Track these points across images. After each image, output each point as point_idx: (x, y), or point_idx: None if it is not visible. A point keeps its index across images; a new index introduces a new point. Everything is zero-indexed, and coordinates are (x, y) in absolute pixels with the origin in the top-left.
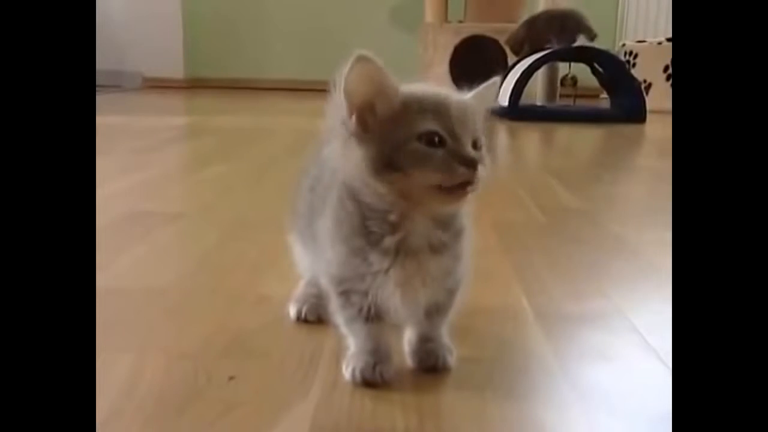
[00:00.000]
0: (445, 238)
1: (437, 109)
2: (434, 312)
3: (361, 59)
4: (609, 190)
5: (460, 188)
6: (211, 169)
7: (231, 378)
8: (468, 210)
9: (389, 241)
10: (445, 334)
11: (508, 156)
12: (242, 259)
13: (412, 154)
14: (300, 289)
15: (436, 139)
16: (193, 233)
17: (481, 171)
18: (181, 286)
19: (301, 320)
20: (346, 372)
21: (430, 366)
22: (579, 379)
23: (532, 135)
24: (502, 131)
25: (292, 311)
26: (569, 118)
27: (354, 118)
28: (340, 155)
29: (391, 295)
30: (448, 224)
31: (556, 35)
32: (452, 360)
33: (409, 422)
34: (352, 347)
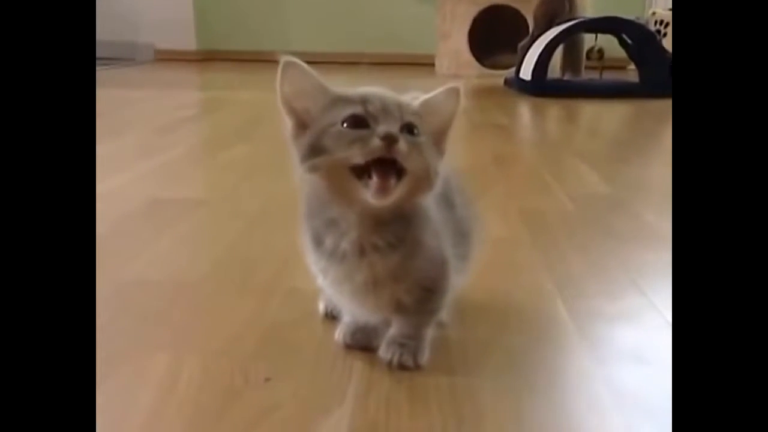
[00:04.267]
0: (376, 241)
1: (363, 98)
2: (403, 311)
3: (287, 65)
4: (639, 174)
5: (381, 174)
6: (232, 150)
7: (267, 379)
8: (423, 206)
9: (328, 243)
10: (419, 334)
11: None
12: (270, 250)
13: (335, 135)
14: None
15: (360, 121)
16: (218, 222)
17: (402, 147)
18: (211, 280)
19: (329, 316)
20: (337, 334)
21: (387, 361)
22: (616, 381)
23: (556, 112)
24: (525, 108)
25: (321, 306)
26: (595, 92)
27: (292, 120)
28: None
29: (335, 293)
30: (388, 226)
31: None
32: (412, 362)
33: (447, 424)
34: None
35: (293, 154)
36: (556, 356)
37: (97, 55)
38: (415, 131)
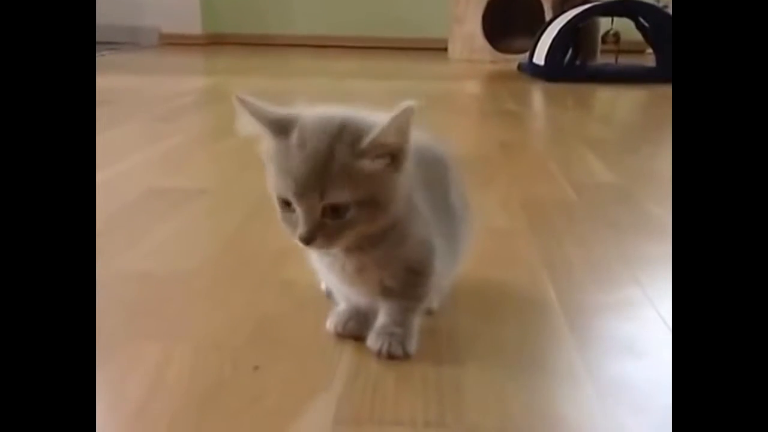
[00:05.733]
0: (360, 242)
1: (290, 170)
2: (389, 294)
3: (238, 102)
4: (647, 164)
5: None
6: (233, 138)
7: (256, 368)
8: (408, 201)
9: None
10: (406, 321)
11: (543, 125)
12: (267, 241)
13: (278, 207)
14: None
15: (287, 205)
16: (216, 212)
17: (318, 244)
18: (205, 271)
19: (329, 296)
20: (329, 325)
21: (375, 351)
22: (602, 374)
23: (568, 98)
24: (537, 94)
25: (323, 286)
26: (610, 77)
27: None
28: None
29: (335, 282)
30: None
31: None
32: (400, 350)
33: (429, 414)
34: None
35: None
36: (543, 347)
37: (101, 39)
38: (342, 209)
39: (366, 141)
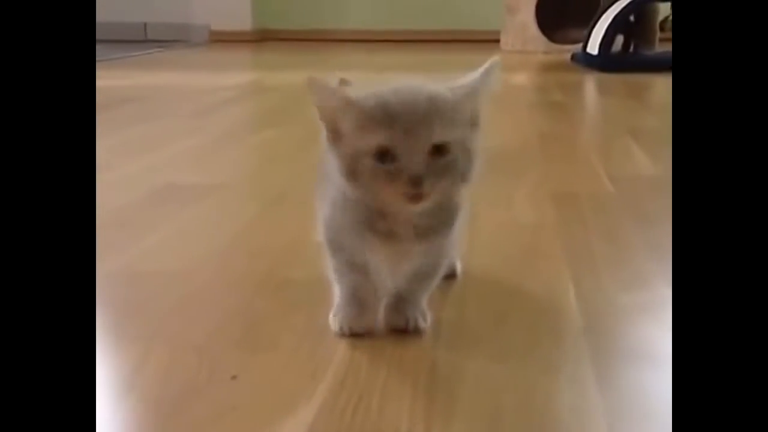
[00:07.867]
0: (433, 224)
1: (390, 120)
2: (415, 277)
3: (310, 83)
4: None
5: (412, 197)
6: (262, 133)
7: (234, 377)
8: (464, 191)
9: (381, 226)
10: (423, 298)
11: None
12: (275, 238)
13: (366, 169)
14: None
15: (387, 153)
16: (229, 208)
17: (426, 188)
18: (204, 270)
19: None
20: (335, 326)
21: (400, 327)
22: (612, 382)
23: (620, 88)
24: (588, 85)
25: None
26: (667, 66)
27: (327, 129)
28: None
29: (380, 266)
30: (436, 211)
31: None
32: (424, 324)
33: (414, 428)
34: (338, 297)
35: (328, 154)
36: (552, 354)
37: (151, 37)
38: (446, 148)
39: (461, 84)
